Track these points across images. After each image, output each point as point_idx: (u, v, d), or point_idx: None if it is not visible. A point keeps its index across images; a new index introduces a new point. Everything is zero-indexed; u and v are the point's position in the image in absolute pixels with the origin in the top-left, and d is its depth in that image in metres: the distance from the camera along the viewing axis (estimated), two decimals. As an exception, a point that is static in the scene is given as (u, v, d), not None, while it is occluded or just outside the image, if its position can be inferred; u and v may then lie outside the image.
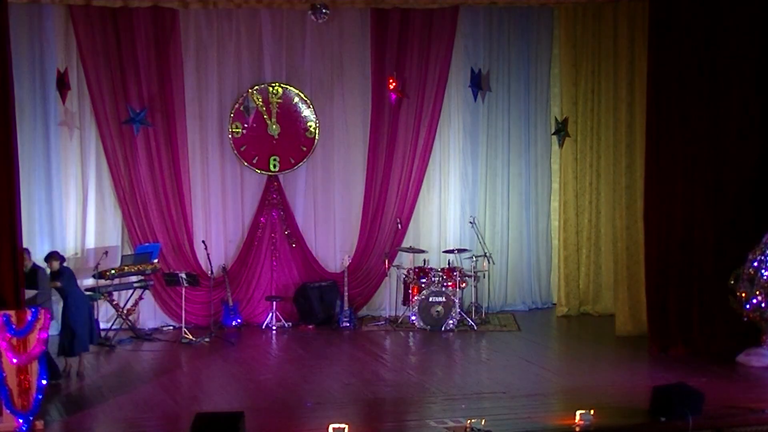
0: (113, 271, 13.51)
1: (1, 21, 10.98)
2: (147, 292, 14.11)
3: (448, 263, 14.79)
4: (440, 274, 14.41)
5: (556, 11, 15.29)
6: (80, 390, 11.19)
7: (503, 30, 15.36)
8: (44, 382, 9.77)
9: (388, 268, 14.72)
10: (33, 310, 9.86)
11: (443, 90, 15.06)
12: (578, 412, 9.77)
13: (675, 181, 12.87)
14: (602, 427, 9.72)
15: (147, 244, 14.11)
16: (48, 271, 11.84)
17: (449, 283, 14.34)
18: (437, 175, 15.37)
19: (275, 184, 14.80)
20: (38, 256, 13.67)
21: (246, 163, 14.67)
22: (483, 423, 9.42)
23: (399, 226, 14.95)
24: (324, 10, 13.54)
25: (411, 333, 14.24)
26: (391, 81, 14.75)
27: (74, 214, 14.14)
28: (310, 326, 14.51)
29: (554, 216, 15.76)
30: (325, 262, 15.06)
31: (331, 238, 15.12)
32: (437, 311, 14.22)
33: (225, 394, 11.18)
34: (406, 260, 14.98)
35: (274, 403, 10.73)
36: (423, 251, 15.02)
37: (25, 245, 11.32)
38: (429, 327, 14.22)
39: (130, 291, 14.02)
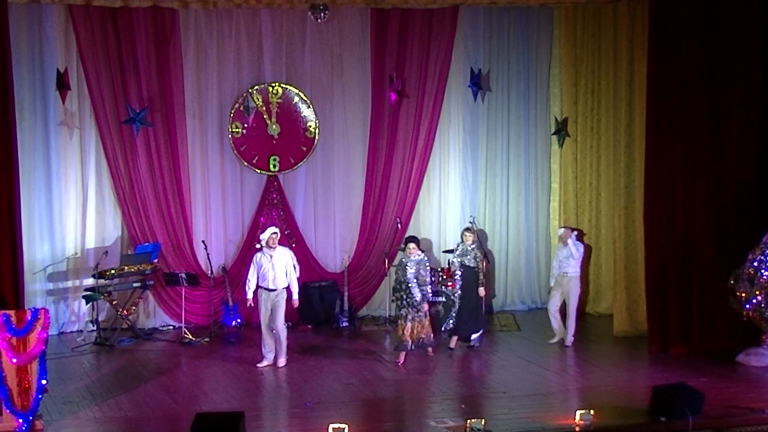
0: (113, 271, 13.50)
1: (1, 21, 11.02)
2: (147, 292, 14.11)
3: (448, 263, 14.79)
4: (440, 274, 14.41)
5: (556, 11, 15.27)
6: (80, 390, 11.17)
7: (503, 30, 15.35)
8: (44, 381, 9.78)
9: (388, 268, 14.69)
10: (33, 310, 9.86)
11: (443, 90, 15.04)
12: (578, 412, 9.80)
13: (675, 181, 12.88)
14: (602, 427, 9.73)
15: (147, 244, 14.10)
16: None
17: (449, 283, 14.33)
18: (437, 175, 15.35)
19: (275, 184, 14.79)
20: (38, 256, 13.75)
21: (246, 163, 14.66)
22: (483, 423, 9.43)
23: (399, 226, 14.94)
24: (324, 10, 13.52)
25: (411, 333, 14.24)
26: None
27: (74, 214, 14.11)
28: (310, 326, 14.51)
29: (554, 216, 15.74)
30: (325, 262, 15.06)
31: (331, 238, 15.11)
32: (437, 311, 14.21)
33: (225, 394, 11.18)
34: (406, 260, 14.98)
35: (274, 403, 10.73)
36: (423, 251, 15.00)
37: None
38: (429, 327, 14.22)
39: (130, 291, 14.02)
